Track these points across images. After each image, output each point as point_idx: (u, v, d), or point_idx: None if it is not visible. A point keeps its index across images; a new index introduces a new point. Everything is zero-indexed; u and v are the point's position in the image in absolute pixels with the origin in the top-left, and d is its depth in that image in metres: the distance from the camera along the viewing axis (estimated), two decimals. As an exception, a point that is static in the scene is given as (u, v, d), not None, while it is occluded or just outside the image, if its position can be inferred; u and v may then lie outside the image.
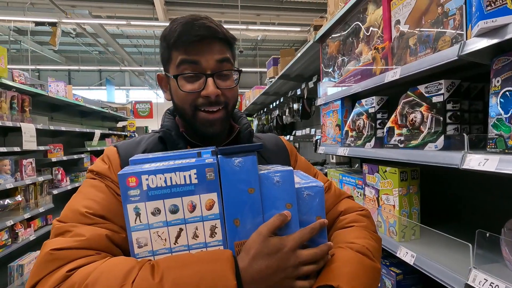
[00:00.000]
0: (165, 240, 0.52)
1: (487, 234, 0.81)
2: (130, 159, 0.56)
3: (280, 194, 0.53)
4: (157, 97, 14.31)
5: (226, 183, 0.52)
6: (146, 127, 8.24)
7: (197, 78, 0.65)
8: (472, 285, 0.80)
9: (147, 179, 0.50)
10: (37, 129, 3.13)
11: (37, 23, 6.39)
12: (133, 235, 0.51)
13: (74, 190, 4.14)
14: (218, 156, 0.53)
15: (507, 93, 0.76)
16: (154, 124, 12.13)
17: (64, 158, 3.90)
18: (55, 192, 3.66)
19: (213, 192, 0.52)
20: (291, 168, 0.54)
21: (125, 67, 12.26)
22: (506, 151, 0.75)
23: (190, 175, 0.51)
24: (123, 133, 7.13)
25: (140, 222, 0.51)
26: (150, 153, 0.62)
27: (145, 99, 12.72)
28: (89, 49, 13.24)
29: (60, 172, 3.90)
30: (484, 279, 0.77)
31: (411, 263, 1.05)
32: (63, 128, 3.82)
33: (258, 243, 0.49)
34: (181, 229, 0.52)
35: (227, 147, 0.53)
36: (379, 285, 1.38)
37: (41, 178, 3.34)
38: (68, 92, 4.12)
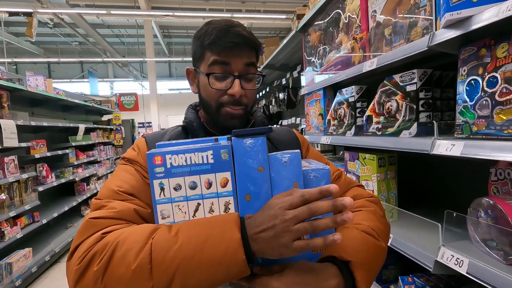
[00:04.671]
0: (185, 213, 0.59)
1: (454, 214, 0.87)
2: (157, 144, 0.63)
3: (288, 173, 0.58)
4: (143, 89, 14.01)
5: (238, 161, 0.58)
6: (132, 120, 8.06)
7: (225, 78, 0.73)
8: (441, 261, 0.86)
9: (170, 158, 0.57)
10: (17, 126, 3.04)
11: (11, 13, 6.09)
12: (158, 207, 0.58)
13: (61, 186, 4.08)
14: (232, 138, 0.59)
15: (472, 81, 0.81)
16: (141, 117, 11.92)
17: (48, 154, 3.81)
18: (40, 189, 3.60)
19: (227, 171, 0.58)
20: (298, 150, 0.58)
21: (108, 58, 11.91)
22: (471, 136, 0.80)
23: (207, 156, 0.58)
24: (109, 126, 6.99)
25: (164, 196, 0.58)
26: (175, 141, 0.69)
27: (130, 91, 12.43)
28: (69, 40, 12.75)
29: (45, 168, 3.82)
30: (451, 255, 0.84)
31: (389, 244, 1.11)
32: (45, 124, 3.72)
33: (266, 204, 0.53)
34: (198, 204, 0.59)
35: (240, 130, 0.60)
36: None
37: (25, 175, 3.28)
38: (48, 86, 3.99)
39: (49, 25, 10.17)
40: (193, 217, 0.58)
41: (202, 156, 0.58)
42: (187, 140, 0.65)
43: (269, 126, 0.62)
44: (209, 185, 0.58)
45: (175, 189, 0.58)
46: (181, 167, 0.57)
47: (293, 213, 0.48)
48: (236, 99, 0.73)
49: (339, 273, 0.55)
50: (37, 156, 3.59)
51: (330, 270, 0.55)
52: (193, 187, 0.58)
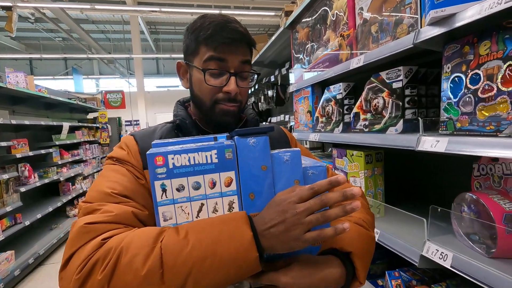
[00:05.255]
0: (188, 214, 0.57)
1: (439, 209, 0.89)
2: (152, 143, 0.60)
3: (289, 171, 0.59)
4: (129, 86, 13.73)
5: (242, 160, 0.59)
6: (119, 118, 7.89)
7: (221, 75, 0.72)
8: (426, 255, 0.88)
9: (172, 158, 0.56)
10: (-3, 124, 2.93)
11: (-11, 8, 5.82)
12: (159, 209, 0.56)
13: (44, 186, 3.96)
14: (235, 137, 0.59)
15: (456, 78, 0.82)
16: (128, 115, 11.69)
17: (30, 153, 3.69)
18: (22, 189, 3.48)
19: (232, 171, 0.59)
20: (298, 149, 0.60)
21: (93, 55, 11.60)
22: (455, 132, 0.82)
23: (211, 155, 0.57)
24: (95, 125, 6.83)
25: (166, 197, 0.56)
26: (171, 139, 0.66)
27: (116, 88, 12.17)
28: (51, 36, 12.36)
29: (27, 168, 3.69)
30: (436, 249, 0.85)
31: (376, 240, 1.13)
32: (26, 122, 3.59)
33: (273, 199, 0.55)
34: (202, 204, 0.58)
35: (243, 129, 0.60)
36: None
37: (5, 176, 3.16)
38: (29, 83, 3.85)
39: (30, 20, 9.81)
40: (197, 217, 0.58)
41: (206, 156, 0.57)
42: (184, 139, 0.63)
43: (272, 125, 0.63)
44: (213, 184, 0.58)
45: (178, 190, 0.56)
46: (184, 167, 0.56)
47: (305, 206, 0.49)
48: (231, 96, 0.72)
49: (341, 264, 0.58)
50: (18, 155, 3.46)
51: (333, 262, 0.58)
52: (197, 187, 0.57)
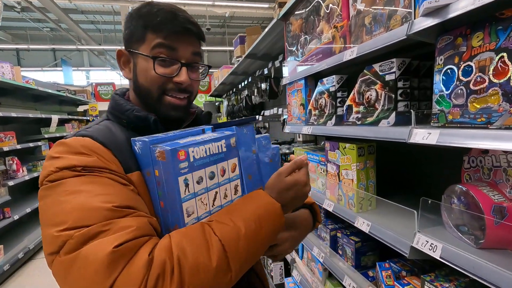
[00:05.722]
0: (206, 204, 0.59)
1: (429, 201, 0.89)
2: (149, 140, 0.57)
3: (266, 152, 0.73)
4: (121, 79, 13.49)
5: (241, 147, 0.65)
6: (110, 111, 7.79)
7: (171, 64, 0.68)
8: (416, 247, 0.89)
9: (193, 151, 0.56)
10: (-18, 116, 2.85)
11: (-28, -5, 5.60)
12: (183, 205, 0.55)
13: (33, 180, 3.89)
14: (234, 126, 0.66)
15: (448, 70, 0.82)
16: (119, 107, 11.50)
17: (18, 146, 3.61)
18: (11, 183, 3.41)
19: (235, 157, 0.64)
20: (268, 134, 0.73)
21: (82, 46, 11.32)
22: (446, 125, 0.82)
23: (221, 145, 0.61)
24: (85, 117, 6.71)
25: (189, 192, 0.56)
26: (154, 135, 0.62)
27: (107, 80, 11.93)
28: (39, 26, 12.00)
29: (15, 162, 3.62)
30: (426, 241, 0.86)
31: (367, 231, 1.14)
32: (13, 114, 3.50)
33: (278, 180, 0.65)
34: (216, 192, 0.61)
35: (236, 120, 0.66)
36: (341, 252, 1.47)
37: (-8, 169, 3.09)
38: (16, 74, 3.74)
39: (16, 8, 9.50)
40: (212, 206, 0.60)
41: (218, 146, 0.60)
42: (174, 133, 0.63)
43: (254, 116, 0.80)
44: (224, 172, 0.62)
45: (197, 182, 0.57)
46: (202, 158, 0.57)
47: (303, 179, 0.66)
48: (182, 87, 0.70)
49: (308, 211, 0.84)
50: (5, 148, 3.38)
51: (305, 210, 0.83)
52: (212, 176, 0.59)
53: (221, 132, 0.64)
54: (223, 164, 0.61)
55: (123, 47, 0.73)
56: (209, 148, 0.58)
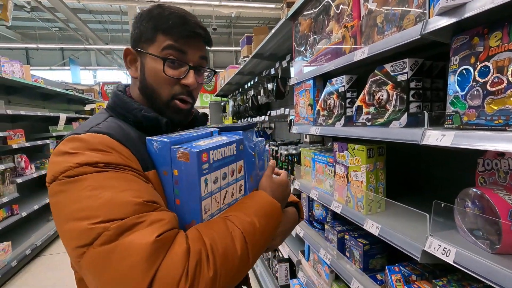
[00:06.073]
0: (218, 202, 0.64)
1: (443, 205, 0.88)
2: (170, 140, 0.60)
3: (262, 153, 0.79)
4: (127, 78, 13.58)
5: (246, 150, 0.70)
6: (117, 110, 7.84)
7: (179, 66, 0.70)
8: (428, 251, 0.87)
9: (212, 154, 0.60)
10: (-8, 114, 2.89)
11: (-17, -5, 5.69)
12: (202, 203, 0.60)
13: (41, 177, 3.93)
14: (240, 131, 0.71)
15: (464, 71, 0.80)
16: (126, 107, 11.57)
17: (27, 144, 3.65)
18: (19, 180, 3.46)
19: (242, 159, 0.69)
20: (263, 138, 0.81)
21: (90, 46, 11.44)
22: (461, 126, 0.80)
23: (232, 148, 0.66)
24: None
25: (207, 191, 0.60)
26: (169, 135, 0.65)
27: (114, 79, 12.03)
28: (48, 25, 12.16)
29: (23, 159, 3.66)
30: (438, 245, 0.84)
31: (376, 234, 1.12)
32: (22, 113, 3.55)
33: (271, 182, 0.76)
34: (226, 191, 0.66)
35: (240, 124, 0.73)
36: (348, 255, 1.46)
37: (1, 167, 3.13)
38: (25, 73, 3.79)
39: (26, 8, 9.64)
40: (222, 204, 0.65)
41: (230, 149, 0.65)
42: (188, 133, 0.67)
43: (255, 122, 0.83)
44: (233, 173, 0.67)
45: (214, 182, 0.61)
46: (218, 160, 0.62)
47: (286, 182, 0.82)
48: (189, 90, 0.72)
49: (295, 209, 0.90)
50: (14, 146, 3.43)
51: (292, 208, 0.88)
52: (224, 177, 0.64)
53: (230, 136, 0.69)
54: (233, 165, 0.66)
55: (130, 46, 0.75)
56: (224, 151, 0.63)
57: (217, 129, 0.72)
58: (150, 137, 0.63)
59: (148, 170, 0.61)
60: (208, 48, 0.78)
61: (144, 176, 0.59)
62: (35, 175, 3.79)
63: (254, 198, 0.68)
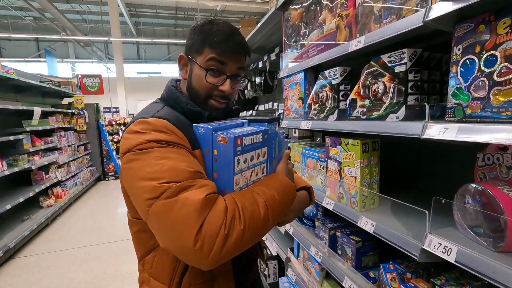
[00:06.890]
0: (246, 178, 0.79)
1: (443, 201, 0.84)
2: (212, 127, 0.76)
3: (281, 142, 0.93)
4: (108, 71, 13.08)
5: (270, 139, 0.84)
6: (97, 104, 7.46)
7: (219, 75, 0.85)
8: (428, 249, 0.83)
9: (244, 140, 0.74)
10: (-44, 107, 2.65)
11: None
12: (234, 177, 0.74)
13: (15, 175, 3.68)
14: (266, 123, 0.84)
15: (467, 61, 0.76)
16: (106, 101, 11.17)
17: (-2, 140, 3.41)
18: (-11, 178, 3.22)
19: (265, 146, 0.82)
20: (283, 131, 0.95)
21: (67, 36, 10.91)
22: (464, 119, 0.76)
23: (259, 136, 0.79)
24: (70, 110, 6.46)
25: (238, 168, 0.75)
26: (210, 123, 0.81)
27: (94, 73, 11.54)
28: (22, 14, 11.48)
29: (-6, 156, 3.42)
30: (439, 243, 0.81)
31: (371, 232, 1.08)
32: (-8, 106, 3.30)
33: (286, 167, 0.89)
34: (252, 171, 0.80)
35: (266, 117, 0.87)
36: (340, 252, 1.42)
37: (-31, 164, 2.90)
38: (-5, 63, 3.53)
39: (-4, -5, 9.03)
40: (249, 180, 0.80)
41: (258, 137, 0.78)
42: (225, 123, 0.82)
43: (278, 116, 0.89)
44: (258, 156, 0.80)
45: (244, 162, 0.76)
46: (248, 146, 0.76)
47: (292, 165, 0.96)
48: (224, 95, 0.87)
49: (306, 192, 1.00)
50: (-17, 142, 3.19)
51: (304, 192, 0.99)
52: (251, 159, 0.78)
53: (258, 127, 0.82)
54: (258, 151, 0.80)
55: (183, 53, 0.92)
56: (252, 138, 0.77)
57: (247, 121, 0.87)
58: (196, 124, 0.79)
59: (195, 149, 0.77)
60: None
61: (192, 154, 0.76)
62: (7, 172, 3.56)
63: (274, 178, 0.82)
